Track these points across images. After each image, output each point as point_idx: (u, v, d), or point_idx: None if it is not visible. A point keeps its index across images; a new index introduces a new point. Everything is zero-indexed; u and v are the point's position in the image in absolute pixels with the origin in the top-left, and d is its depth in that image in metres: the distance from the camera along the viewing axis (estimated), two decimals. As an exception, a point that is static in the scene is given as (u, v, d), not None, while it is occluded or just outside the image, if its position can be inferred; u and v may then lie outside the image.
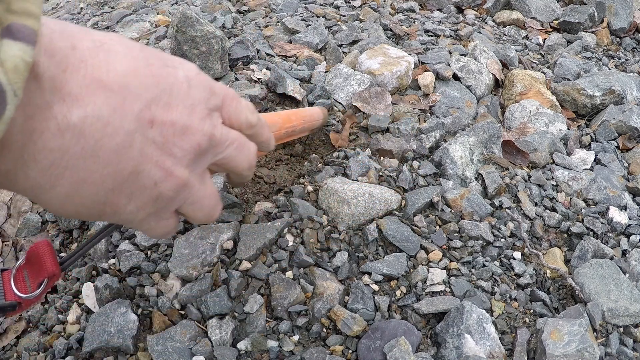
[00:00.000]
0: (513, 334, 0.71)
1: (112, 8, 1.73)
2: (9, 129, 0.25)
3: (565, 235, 0.86)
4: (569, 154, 1.04)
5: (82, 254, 0.49)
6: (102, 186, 0.31)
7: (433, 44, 1.27)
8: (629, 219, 0.90)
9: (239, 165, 0.42)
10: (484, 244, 0.79)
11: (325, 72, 1.10)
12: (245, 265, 0.73)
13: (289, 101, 0.98)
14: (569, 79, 1.26)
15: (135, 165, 0.32)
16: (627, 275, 0.81)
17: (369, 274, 0.73)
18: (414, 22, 1.43)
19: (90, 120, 0.28)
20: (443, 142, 0.96)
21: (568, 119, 1.16)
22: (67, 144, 0.28)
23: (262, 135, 0.47)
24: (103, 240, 0.81)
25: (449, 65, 1.15)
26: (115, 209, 0.33)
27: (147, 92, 0.31)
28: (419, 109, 1.03)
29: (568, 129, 1.10)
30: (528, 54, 1.40)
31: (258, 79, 1.03)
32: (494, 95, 1.20)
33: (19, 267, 0.45)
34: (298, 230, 0.77)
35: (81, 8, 1.85)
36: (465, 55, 1.21)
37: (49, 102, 0.26)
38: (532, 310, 0.74)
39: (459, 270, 0.76)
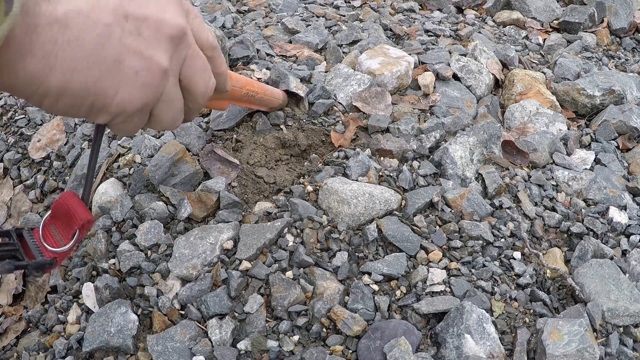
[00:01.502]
0: (513, 334, 0.71)
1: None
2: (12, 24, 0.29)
3: (565, 235, 0.86)
4: (569, 154, 1.04)
5: (91, 184, 0.50)
6: (89, 74, 0.35)
7: (433, 44, 1.27)
8: (629, 219, 0.90)
9: (198, 85, 0.45)
10: (484, 244, 0.79)
11: (325, 72, 1.10)
12: (245, 265, 0.73)
13: (291, 98, 0.98)
14: (569, 79, 1.26)
15: (116, 54, 0.35)
16: (627, 275, 0.81)
17: (369, 274, 0.73)
18: (414, 22, 1.43)
19: (72, 14, 0.33)
20: (443, 142, 0.96)
21: (568, 119, 1.16)
22: (55, 35, 0.32)
23: (221, 65, 0.50)
24: (103, 240, 0.81)
25: (449, 65, 1.15)
26: (103, 100, 0.37)
27: None
28: (419, 109, 1.03)
29: (568, 129, 1.10)
30: (528, 54, 1.40)
31: (258, 79, 1.03)
32: (494, 95, 1.20)
33: (45, 224, 0.48)
34: (298, 230, 0.77)
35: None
36: (465, 55, 1.21)
37: (38, 2, 0.31)
38: (532, 310, 0.74)
39: (459, 270, 0.76)
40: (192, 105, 0.47)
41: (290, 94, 0.97)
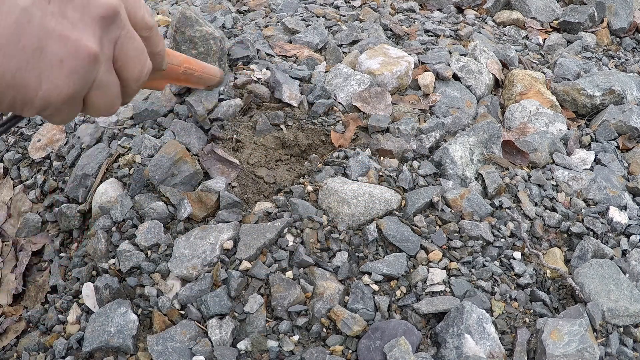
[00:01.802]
0: (513, 334, 0.71)
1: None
2: None
3: (565, 235, 0.86)
4: (569, 154, 1.04)
5: None
6: (7, 66, 0.31)
7: (433, 44, 1.27)
8: (629, 219, 0.90)
9: (133, 68, 0.41)
10: (484, 244, 0.79)
11: (325, 72, 1.10)
12: (245, 265, 0.73)
13: (287, 106, 0.98)
14: (569, 79, 1.26)
15: (38, 40, 0.32)
16: (627, 275, 0.81)
17: (369, 274, 0.73)
18: (414, 22, 1.43)
19: None
20: (443, 142, 0.96)
21: (568, 119, 1.16)
22: None
23: (158, 45, 0.46)
24: (103, 240, 0.81)
25: (449, 65, 1.15)
26: (25, 94, 0.33)
27: None
28: (419, 109, 1.03)
29: (568, 129, 1.10)
30: (528, 54, 1.40)
31: (258, 78, 1.03)
32: (494, 95, 1.20)
33: None
34: (298, 230, 0.77)
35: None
36: (465, 55, 1.21)
37: None
38: (532, 310, 0.74)
39: (459, 270, 0.76)
40: (127, 89, 0.44)
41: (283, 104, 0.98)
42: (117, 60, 0.40)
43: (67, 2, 0.33)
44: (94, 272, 0.80)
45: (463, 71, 1.14)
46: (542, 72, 1.28)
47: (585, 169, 1.01)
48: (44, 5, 0.31)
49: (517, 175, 0.93)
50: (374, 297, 0.71)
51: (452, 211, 0.83)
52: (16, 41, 0.31)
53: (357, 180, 0.84)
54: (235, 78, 1.01)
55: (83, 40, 0.34)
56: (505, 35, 1.50)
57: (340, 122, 0.97)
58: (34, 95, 0.34)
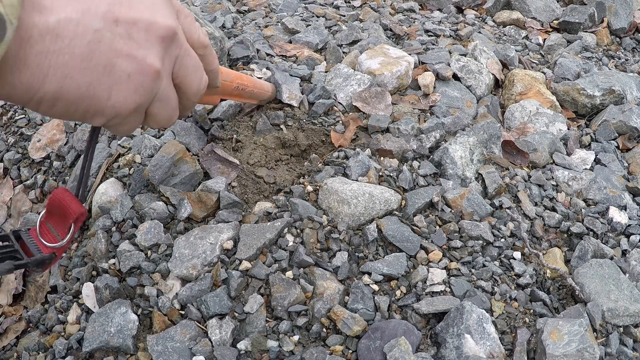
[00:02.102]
0: (513, 334, 0.71)
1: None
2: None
3: (565, 235, 0.86)
4: (569, 154, 1.04)
5: (87, 176, 0.51)
6: (82, 80, 0.36)
7: (433, 44, 1.27)
8: (629, 219, 0.90)
9: (191, 83, 0.45)
10: (484, 244, 0.79)
11: (325, 72, 1.10)
12: (245, 265, 0.73)
13: (287, 106, 0.98)
14: (569, 79, 1.26)
15: (108, 58, 0.36)
16: (627, 275, 0.81)
17: (369, 274, 0.73)
18: (414, 22, 1.43)
19: (63, 24, 0.34)
20: (443, 142, 0.96)
21: (568, 119, 1.16)
22: (47, 46, 0.33)
23: (212, 63, 0.51)
24: (103, 240, 0.81)
25: (449, 65, 1.15)
26: (97, 104, 0.38)
27: None
28: (419, 109, 1.03)
29: (568, 129, 1.10)
30: (528, 54, 1.40)
31: (259, 77, 1.03)
32: (494, 95, 1.20)
33: (42, 222, 0.49)
34: (298, 230, 0.77)
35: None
36: (465, 55, 1.21)
37: (31, 14, 0.32)
38: (532, 310, 0.74)
39: (459, 270, 0.76)
40: (185, 103, 0.48)
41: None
42: (177, 76, 0.44)
43: (133, 24, 0.37)
44: (94, 272, 0.80)
45: (463, 71, 1.14)
46: (542, 72, 1.28)
47: (585, 169, 1.01)
48: (112, 28, 0.36)
49: (517, 175, 0.93)
50: (374, 297, 0.71)
51: (452, 211, 0.83)
52: (89, 59, 0.35)
53: (357, 180, 0.84)
54: None
55: (147, 59, 0.38)
56: (505, 35, 1.50)
57: (340, 122, 0.97)
58: (105, 106, 0.38)
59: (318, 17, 1.38)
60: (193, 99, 0.48)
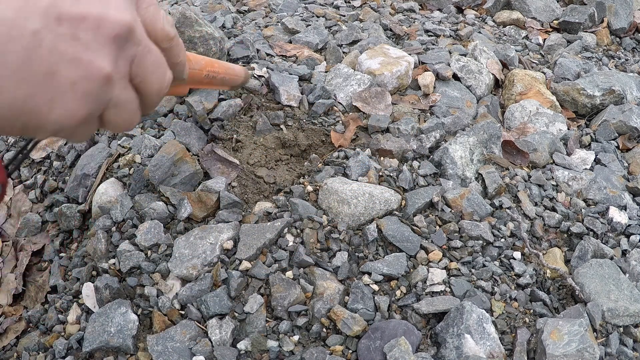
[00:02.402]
0: (513, 334, 0.71)
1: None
2: None
3: (565, 235, 0.86)
4: (569, 154, 1.04)
5: (25, 156, 0.46)
6: (17, 94, 0.30)
7: (433, 44, 1.27)
8: (629, 219, 0.90)
9: (153, 83, 0.40)
10: (484, 244, 0.79)
11: (325, 72, 1.10)
12: (245, 265, 0.73)
13: (287, 106, 0.98)
14: (569, 79, 1.26)
15: (48, 65, 0.31)
16: (627, 275, 0.81)
17: (369, 274, 0.73)
18: (414, 22, 1.43)
19: None
20: (443, 142, 0.96)
21: (568, 119, 1.16)
22: None
23: (178, 55, 0.45)
24: (103, 240, 0.81)
25: (449, 65, 1.15)
26: (37, 119, 0.32)
27: None
28: (419, 109, 1.03)
29: (568, 129, 1.10)
30: (528, 54, 1.40)
31: (259, 76, 1.03)
32: (494, 95, 1.20)
33: None
34: (298, 230, 0.77)
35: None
36: (465, 55, 1.21)
37: None
38: (532, 310, 0.74)
39: (459, 270, 0.76)
40: (148, 103, 0.43)
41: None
42: (135, 77, 0.39)
43: (79, 22, 0.32)
44: (94, 272, 0.80)
45: (463, 71, 1.14)
46: (542, 72, 1.28)
47: (585, 169, 1.01)
48: (54, 27, 0.30)
49: (517, 175, 0.93)
50: (374, 297, 0.71)
51: (452, 211, 0.83)
52: (27, 67, 0.30)
53: (357, 180, 0.84)
54: None
55: (96, 62, 0.33)
56: (505, 35, 1.50)
57: (340, 122, 0.97)
58: (46, 121, 0.33)
59: (318, 17, 1.38)
60: (155, 99, 0.42)
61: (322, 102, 0.98)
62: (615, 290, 0.76)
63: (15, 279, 0.93)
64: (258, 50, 1.15)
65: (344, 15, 1.41)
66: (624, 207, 0.92)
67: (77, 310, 0.78)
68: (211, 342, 0.68)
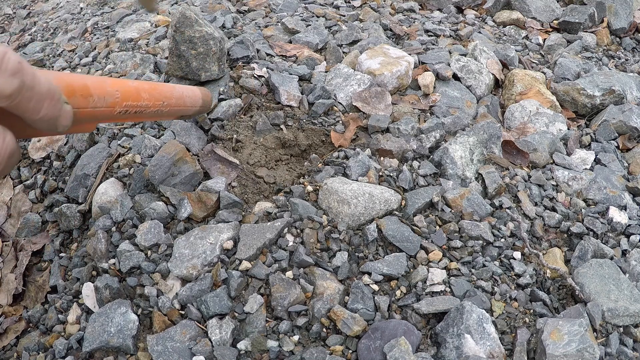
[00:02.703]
0: (513, 334, 0.71)
1: (112, 8, 1.73)
2: None
3: (565, 235, 0.86)
4: (569, 154, 1.04)
5: None
6: None
7: (433, 44, 1.27)
8: (629, 219, 0.90)
9: None
10: (484, 244, 0.79)
11: (325, 72, 1.10)
12: (245, 265, 0.73)
13: (287, 106, 0.98)
14: (569, 79, 1.26)
15: None
16: (627, 275, 0.81)
17: (369, 274, 0.73)
18: (414, 22, 1.43)
19: None
20: (443, 142, 0.96)
21: (568, 119, 1.16)
22: None
23: (35, 110, 0.34)
24: (103, 240, 0.81)
25: (449, 65, 1.15)
26: None
27: None
28: (419, 109, 1.03)
29: (568, 129, 1.10)
30: (528, 54, 1.40)
31: (259, 76, 1.03)
32: (494, 95, 1.20)
33: None
34: (298, 230, 0.77)
35: (81, 8, 1.85)
36: (465, 55, 1.21)
37: None
38: (532, 310, 0.74)
39: (459, 270, 0.76)
40: None
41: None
42: None
43: None
44: (94, 272, 0.80)
45: (463, 71, 1.14)
46: (542, 72, 1.28)
47: (585, 169, 1.01)
48: None
49: (517, 175, 0.93)
50: (374, 297, 0.71)
51: (452, 211, 0.83)
52: None
53: (357, 180, 0.84)
54: (234, 80, 1.01)
55: None
56: (505, 35, 1.50)
57: (340, 122, 0.97)
58: None
59: (318, 17, 1.38)
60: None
61: (322, 102, 0.98)
62: (615, 290, 0.76)
63: (15, 279, 0.93)
64: (258, 50, 1.15)
65: (344, 15, 1.41)
66: (624, 207, 0.92)
67: (77, 310, 0.78)
68: (211, 342, 0.68)
